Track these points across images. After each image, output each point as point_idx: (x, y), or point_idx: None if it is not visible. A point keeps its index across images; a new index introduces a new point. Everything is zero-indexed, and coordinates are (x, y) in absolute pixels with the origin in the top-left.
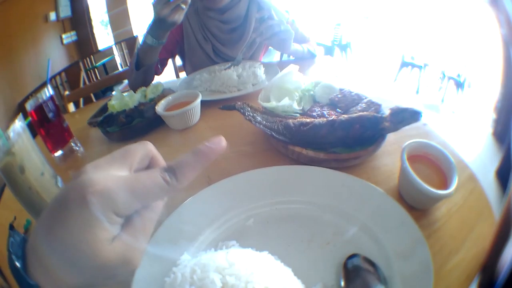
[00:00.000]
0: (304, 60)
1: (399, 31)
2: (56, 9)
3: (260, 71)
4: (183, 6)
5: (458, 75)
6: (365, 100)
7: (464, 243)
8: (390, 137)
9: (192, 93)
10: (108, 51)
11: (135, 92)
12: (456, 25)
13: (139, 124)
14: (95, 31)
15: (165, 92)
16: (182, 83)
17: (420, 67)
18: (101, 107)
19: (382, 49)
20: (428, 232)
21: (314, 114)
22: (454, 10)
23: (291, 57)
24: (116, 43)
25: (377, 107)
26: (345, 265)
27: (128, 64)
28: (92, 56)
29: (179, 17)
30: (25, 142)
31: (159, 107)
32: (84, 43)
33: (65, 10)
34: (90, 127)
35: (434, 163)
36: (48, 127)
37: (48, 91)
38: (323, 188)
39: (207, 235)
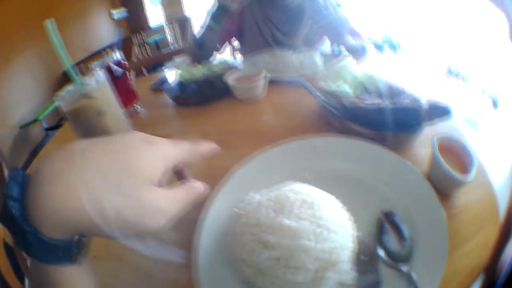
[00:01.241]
0: (356, 53)
1: (449, 36)
2: None
3: (318, 59)
4: None
5: (495, 94)
6: (407, 93)
7: (474, 236)
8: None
9: (258, 70)
10: (160, 29)
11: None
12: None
13: (210, 92)
14: (146, 8)
15: (231, 68)
16: (247, 62)
17: (463, 78)
18: (160, 77)
19: (430, 52)
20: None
21: (364, 101)
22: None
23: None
24: (167, 23)
25: (418, 99)
26: (379, 219)
27: (189, 41)
28: (142, 32)
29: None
30: (106, 89)
31: (229, 79)
32: (135, 20)
33: None
34: (152, 92)
35: (457, 155)
36: (114, 85)
37: (116, 55)
38: (368, 158)
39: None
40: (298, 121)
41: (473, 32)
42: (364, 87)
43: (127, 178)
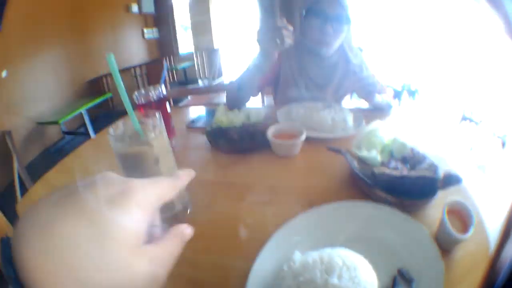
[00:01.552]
0: (382, 110)
1: (464, 84)
2: (138, 2)
3: (350, 118)
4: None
5: (504, 135)
6: (427, 161)
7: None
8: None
9: (296, 126)
10: (189, 56)
11: (230, 109)
12: None
13: (248, 143)
14: (177, 33)
15: (266, 118)
16: (282, 113)
17: (476, 123)
18: (200, 116)
19: (447, 99)
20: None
21: (390, 166)
22: None
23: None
24: (196, 51)
25: (435, 168)
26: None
27: (230, 83)
28: (172, 57)
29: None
30: (163, 137)
31: (269, 133)
32: (166, 43)
33: (147, 6)
34: (188, 128)
35: (461, 215)
36: None
37: (161, 91)
38: (390, 223)
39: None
40: (330, 183)
41: (487, 77)
42: (391, 152)
43: (110, 249)
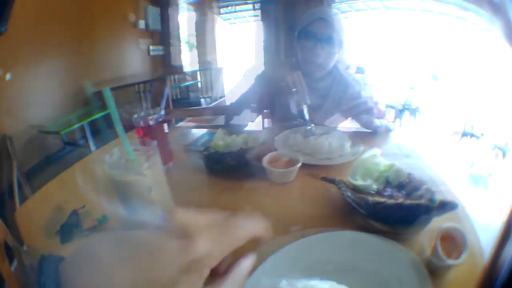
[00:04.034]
0: (381, 134)
1: (465, 98)
2: (145, 19)
3: (347, 144)
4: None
5: (505, 144)
6: (424, 187)
7: None
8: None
9: (293, 155)
10: (192, 74)
11: (228, 132)
12: None
13: (244, 169)
14: (182, 51)
15: (264, 143)
16: (279, 139)
17: (477, 137)
18: (200, 137)
19: (448, 114)
20: None
21: (385, 194)
22: None
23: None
24: (200, 70)
25: (431, 195)
26: None
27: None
28: (176, 75)
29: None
30: (158, 167)
31: (265, 161)
32: (170, 60)
33: (155, 23)
34: (187, 150)
35: (455, 240)
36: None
37: (160, 116)
38: (382, 253)
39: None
40: (324, 211)
41: (486, 87)
42: (387, 179)
43: None
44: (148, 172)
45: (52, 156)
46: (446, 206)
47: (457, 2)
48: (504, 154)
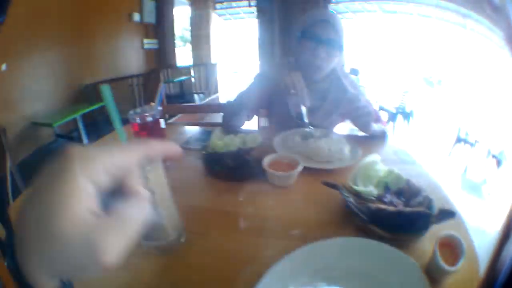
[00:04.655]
0: (378, 138)
1: (460, 104)
2: (140, 12)
3: (346, 148)
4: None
5: (501, 153)
6: (423, 194)
7: None
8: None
9: (293, 157)
10: (186, 70)
11: (226, 130)
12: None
13: (243, 171)
14: (176, 45)
15: (263, 144)
16: (279, 140)
17: (471, 144)
18: (194, 135)
19: (442, 120)
20: None
21: (385, 199)
22: None
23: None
24: (194, 65)
25: (430, 202)
26: None
27: (223, 105)
28: (169, 70)
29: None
30: (160, 170)
31: (265, 163)
32: (164, 54)
33: (149, 16)
34: (182, 149)
35: (452, 247)
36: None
37: (157, 113)
38: (383, 258)
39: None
40: (325, 215)
41: (481, 94)
42: (386, 185)
43: (51, 222)
44: (151, 176)
45: (45, 148)
46: (444, 215)
47: (457, 8)
48: (499, 163)
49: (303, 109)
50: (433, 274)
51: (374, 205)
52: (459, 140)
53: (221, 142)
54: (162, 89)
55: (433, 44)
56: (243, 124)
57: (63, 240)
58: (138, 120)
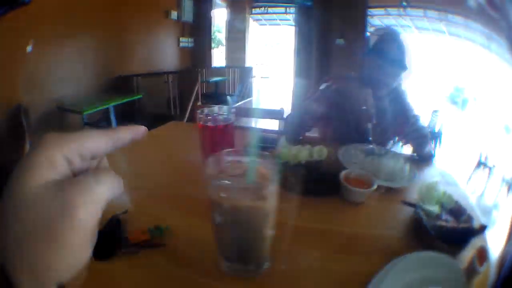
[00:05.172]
0: (426, 160)
1: (483, 126)
2: (178, 10)
3: (407, 168)
4: None
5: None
6: (467, 214)
7: None
8: None
9: (366, 174)
10: (220, 70)
11: (289, 142)
12: None
13: (321, 184)
14: (213, 46)
15: (329, 156)
16: (344, 152)
17: (491, 168)
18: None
19: (467, 142)
20: None
21: (442, 218)
22: None
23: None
24: (229, 66)
25: (472, 219)
26: None
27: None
28: (205, 69)
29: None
30: (276, 188)
31: (342, 178)
32: (199, 54)
33: (187, 15)
34: None
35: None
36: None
37: (230, 114)
38: (446, 269)
39: None
40: (391, 231)
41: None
42: (442, 205)
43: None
44: (271, 196)
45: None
46: (482, 229)
47: (482, 29)
48: (510, 188)
49: (369, 126)
50: (468, 276)
51: (439, 223)
52: (480, 164)
53: (290, 154)
54: (232, 101)
55: (459, 63)
56: (301, 136)
57: (32, 201)
58: (210, 123)
